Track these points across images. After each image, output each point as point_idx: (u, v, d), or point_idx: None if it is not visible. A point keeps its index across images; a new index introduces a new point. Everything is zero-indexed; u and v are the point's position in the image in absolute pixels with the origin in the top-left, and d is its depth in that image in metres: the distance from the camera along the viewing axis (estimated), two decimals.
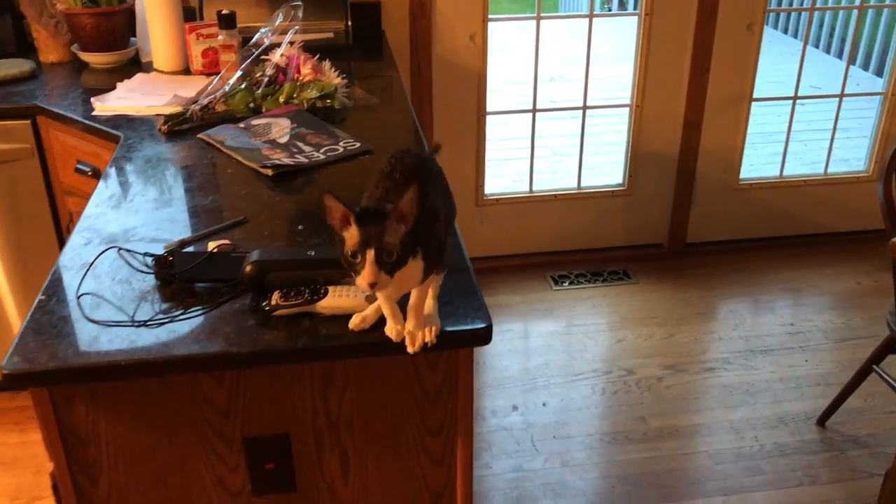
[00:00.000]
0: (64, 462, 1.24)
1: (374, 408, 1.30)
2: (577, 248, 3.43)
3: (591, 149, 3.42)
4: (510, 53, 5.09)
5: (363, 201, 1.15)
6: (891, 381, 2.31)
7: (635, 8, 3.17)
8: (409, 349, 1.19)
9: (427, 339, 1.19)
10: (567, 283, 3.27)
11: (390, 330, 1.19)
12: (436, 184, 1.21)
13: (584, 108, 3.32)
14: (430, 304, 1.23)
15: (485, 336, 1.24)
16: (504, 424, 2.55)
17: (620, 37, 3.85)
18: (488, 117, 3.19)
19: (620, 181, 3.41)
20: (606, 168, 3.63)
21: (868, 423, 2.54)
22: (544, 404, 2.63)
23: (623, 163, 3.38)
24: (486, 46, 3.08)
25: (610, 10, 7.87)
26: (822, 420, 2.54)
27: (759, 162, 3.94)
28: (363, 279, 1.07)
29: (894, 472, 2.03)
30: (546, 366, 2.82)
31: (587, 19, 3.22)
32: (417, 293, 1.18)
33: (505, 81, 4.46)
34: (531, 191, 3.38)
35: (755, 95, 3.29)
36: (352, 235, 1.08)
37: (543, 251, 3.41)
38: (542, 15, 3.18)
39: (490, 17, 3.05)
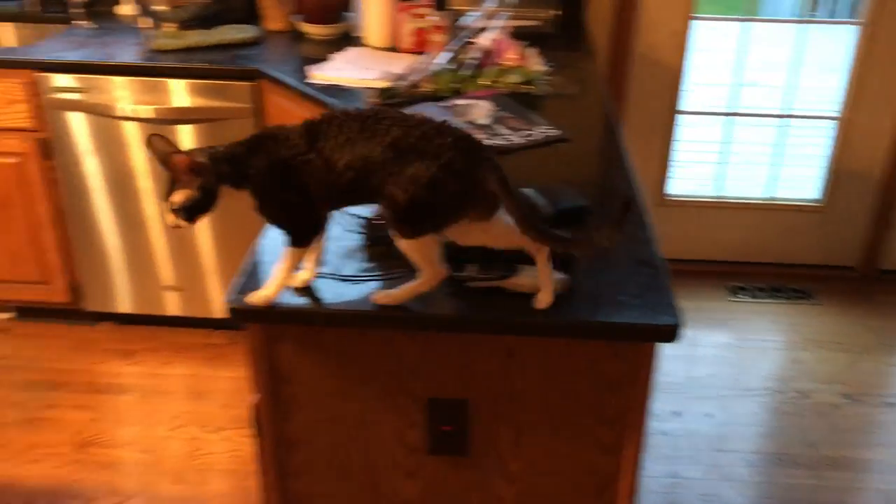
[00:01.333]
0: (265, 395, 1.36)
1: (552, 388, 1.33)
2: (760, 260, 3.31)
3: (787, 160, 3.28)
4: (705, 54, 4.93)
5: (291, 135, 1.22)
6: None
7: (851, 15, 3.00)
8: None
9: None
10: (745, 296, 3.16)
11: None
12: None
13: (785, 116, 3.19)
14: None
15: (672, 333, 1.24)
16: (664, 429, 2.51)
17: (824, 45, 3.64)
18: (682, 117, 3.13)
19: (816, 196, 3.25)
20: (800, 181, 3.46)
21: None
22: (708, 415, 2.57)
23: (820, 177, 3.22)
24: (687, 45, 3.02)
25: (814, 15, 7.42)
26: None
27: None
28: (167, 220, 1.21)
29: None
30: (714, 376, 2.75)
31: (796, 25, 3.08)
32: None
33: (697, 82, 4.33)
34: (718, 196, 3.28)
35: None
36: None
37: (724, 260, 3.31)
38: (749, 17, 3.07)
39: (695, 15, 2.98)
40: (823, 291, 3.19)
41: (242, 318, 1.26)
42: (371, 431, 1.39)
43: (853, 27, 3.00)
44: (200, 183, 1.18)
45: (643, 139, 3.13)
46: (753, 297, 3.16)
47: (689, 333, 2.96)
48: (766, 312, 3.07)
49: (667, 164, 3.20)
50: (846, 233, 3.25)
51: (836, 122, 3.11)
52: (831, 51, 3.36)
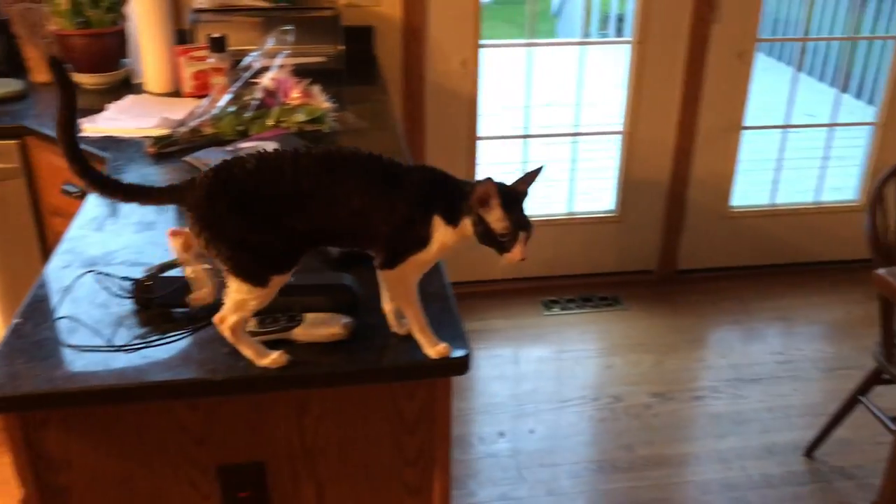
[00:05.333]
0: (34, 488, 1.22)
1: (350, 437, 1.29)
2: (568, 273, 3.43)
3: (582, 174, 3.43)
4: (508, 78, 5.11)
5: None
6: (877, 412, 2.30)
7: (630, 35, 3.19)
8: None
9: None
10: (558, 309, 3.26)
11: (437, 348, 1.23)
12: None
13: (576, 134, 3.34)
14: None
15: (462, 366, 1.23)
16: (491, 451, 2.53)
17: (618, 63, 3.87)
18: (481, 142, 3.20)
19: (612, 207, 3.41)
20: (598, 194, 3.64)
21: (856, 454, 2.53)
22: (531, 431, 2.62)
23: (614, 189, 3.39)
24: (478, 72, 3.10)
25: (606, 35, 7.91)
26: (810, 451, 2.53)
27: (750, 189, 3.94)
28: (517, 254, 1.15)
29: (880, 503, 2.02)
30: (535, 392, 2.80)
31: (578, 46, 3.24)
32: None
33: (502, 106, 4.48)
34: None
35: (747, 123, 3.31)
36: (499, 217, 1.15)
37: (535, 276, 3.41)
38: (533, 41, 3.20)
39: (482, 42, 3.06)
40: (629, 296, 3.35)
41: None
42: None
43: (628, 46, 3.19)
44: None
45: (447, 167, 3.15)
46: (565, 308, 3.27)
47: (510, 352, 3.02)
48: (578, 322, 3.19)
49: None
50: (642, 239, 3.43)
51: (622, 136, 3.29)
52: (617, 69, 3.56)
